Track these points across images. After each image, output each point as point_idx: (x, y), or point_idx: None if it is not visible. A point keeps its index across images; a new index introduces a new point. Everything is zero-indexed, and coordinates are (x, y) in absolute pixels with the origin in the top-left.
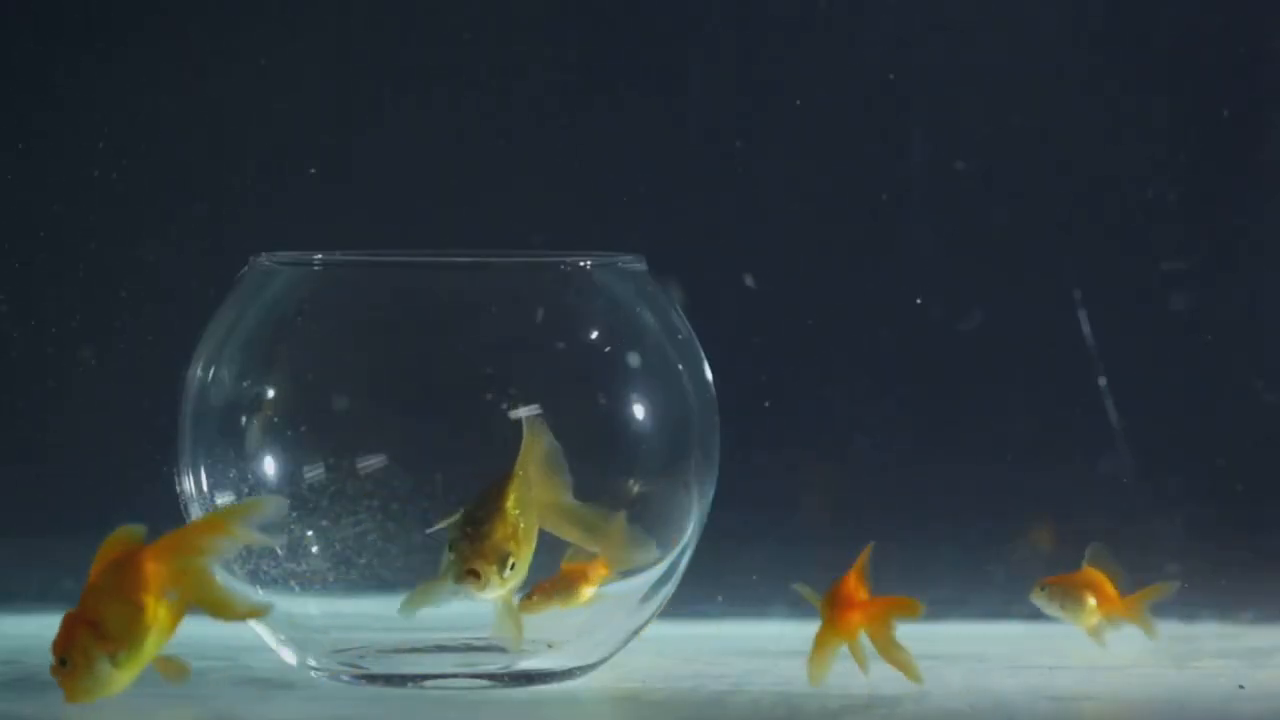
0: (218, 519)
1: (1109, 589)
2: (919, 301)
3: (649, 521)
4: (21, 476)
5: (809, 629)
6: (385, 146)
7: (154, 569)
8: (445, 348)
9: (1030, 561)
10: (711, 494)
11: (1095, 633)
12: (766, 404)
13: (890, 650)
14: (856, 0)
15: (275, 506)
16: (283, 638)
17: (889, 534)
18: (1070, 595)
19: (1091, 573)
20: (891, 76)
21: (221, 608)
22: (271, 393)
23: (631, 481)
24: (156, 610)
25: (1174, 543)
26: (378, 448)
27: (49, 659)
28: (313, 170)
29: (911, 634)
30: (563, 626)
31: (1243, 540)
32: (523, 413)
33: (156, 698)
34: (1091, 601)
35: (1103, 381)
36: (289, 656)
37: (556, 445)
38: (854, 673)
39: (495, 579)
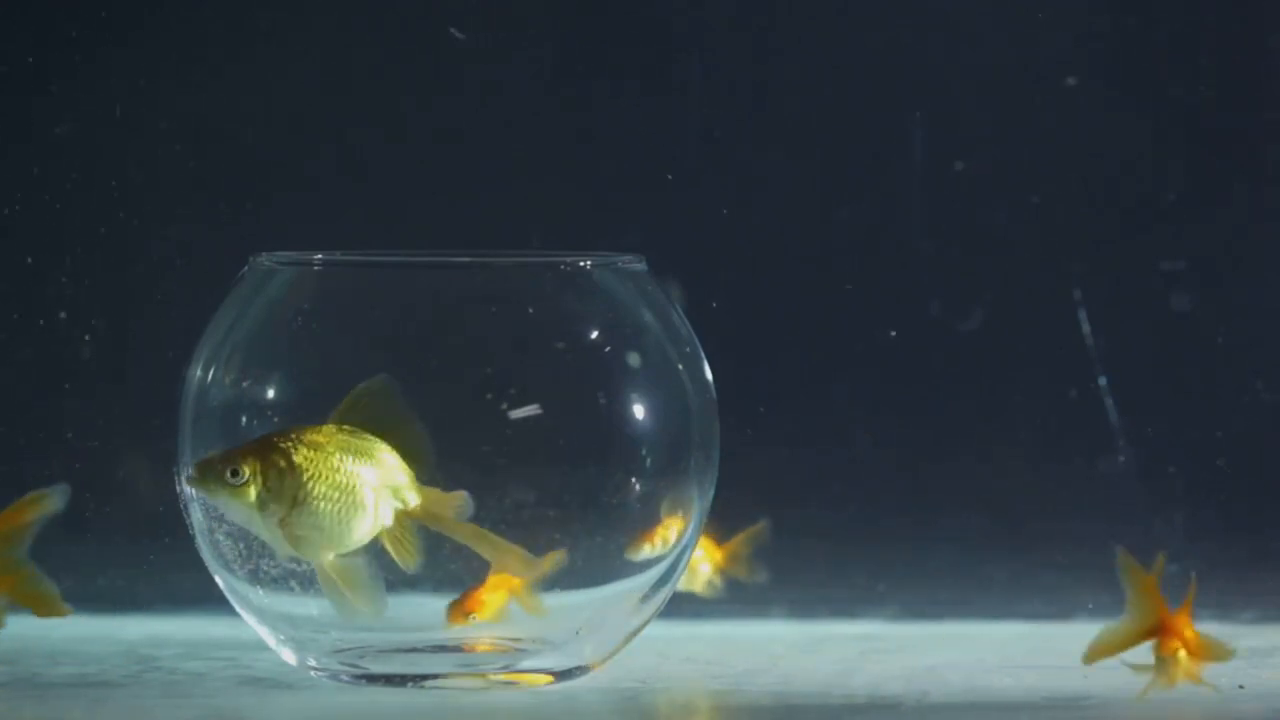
0: (9, 515)
1: (710, 544)
2: (893, 334)
3: (649, 521)
4: (21, 476)
5: (809, 629)
6: (385, 146)
7: None
8: (445, 348)
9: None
10: (711, 494)
11: (707, 589)
12: (761, 408)
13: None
14: None
15: (59, 495)
16: (283, 638)
17: (889, 534)
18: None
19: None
20: (892, 76)
21: (39, 601)
22: (271, 393)
23: (631, 481)
24: None
25: (1174, 543)
26: None
27: (49, 660)
28: (315, 174)
29: (911, 634)
30: (563, 626)
31: (1243, 540)
32: (522, 413)
33: (157, 698)
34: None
35: (1103, 381)
36: (289, 656)
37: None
38: (854, 671)
39: (216, 484)
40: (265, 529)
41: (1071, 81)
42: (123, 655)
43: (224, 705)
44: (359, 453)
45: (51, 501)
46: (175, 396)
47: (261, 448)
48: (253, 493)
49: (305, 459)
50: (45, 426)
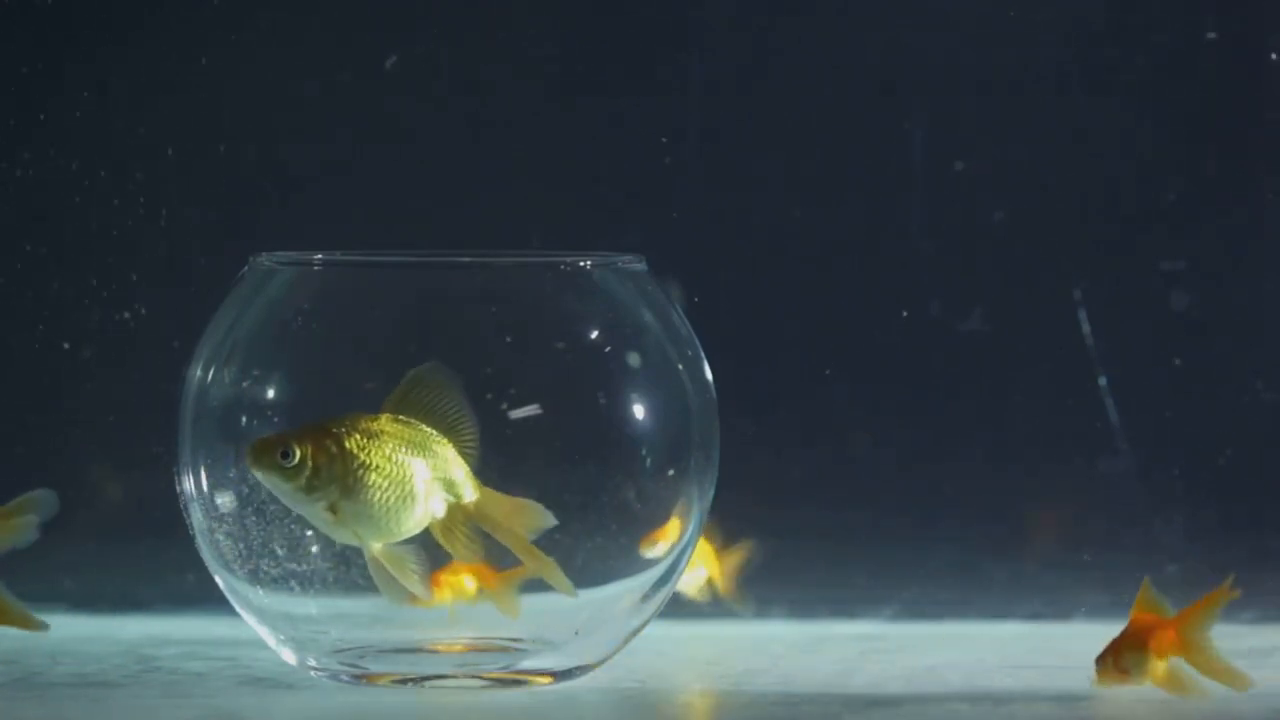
0: None
1: (708, 550)
2: (904, 314)
3: (648, 522)
4: (21, 477)
5: (809, 629)
6: (386, 146)
7: None
8: (445, 348)
9: None
10: (711, 494)
11: (700, 594)
12: (773, 413)
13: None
14: None
15: (46, 501)
16: (283, 638)
17: (889, 534)
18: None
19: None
20: (892, 76)
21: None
22: (271, 393)
23: (631, 481)
24: None
25: (1174, 543)
26: None
27: (49, 659)
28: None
29: (911, 634)
30: (563, 626)
31: (1243, 540)
32: (522, 413)
33: (157, 698)
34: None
35: (1103, 381)
36: (289, 656)
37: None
38: (854, 671)
39: (269, 465)
40: (313, 513)
41: (1072, 81)
42: (123, 655)
43: (224, 705)
44: (414, 444)
45: (28, 520)
46: (175, 396)
47: (315, 432)
48: (302, 476)
49: (358, 446)
50: (45, 427)
